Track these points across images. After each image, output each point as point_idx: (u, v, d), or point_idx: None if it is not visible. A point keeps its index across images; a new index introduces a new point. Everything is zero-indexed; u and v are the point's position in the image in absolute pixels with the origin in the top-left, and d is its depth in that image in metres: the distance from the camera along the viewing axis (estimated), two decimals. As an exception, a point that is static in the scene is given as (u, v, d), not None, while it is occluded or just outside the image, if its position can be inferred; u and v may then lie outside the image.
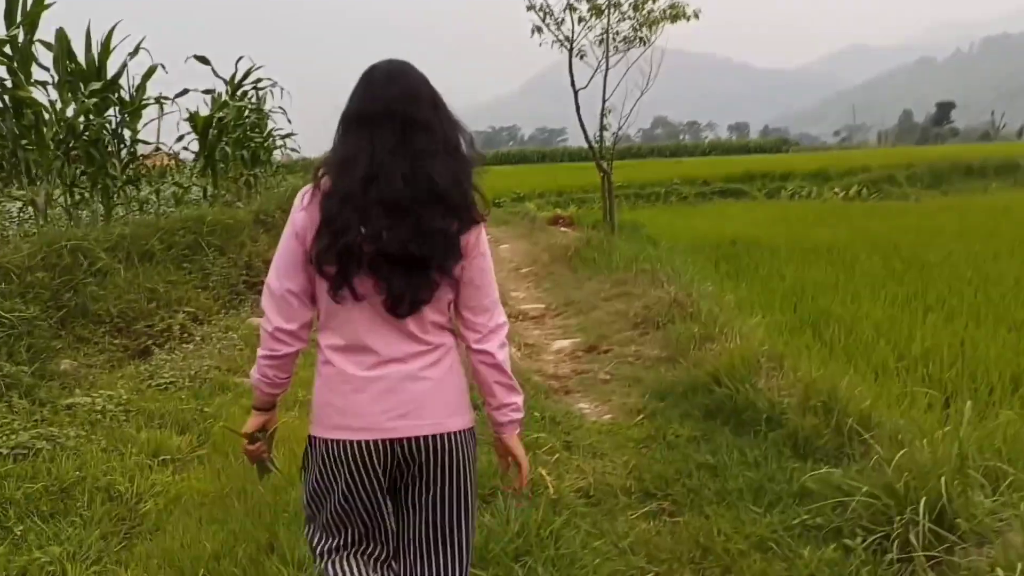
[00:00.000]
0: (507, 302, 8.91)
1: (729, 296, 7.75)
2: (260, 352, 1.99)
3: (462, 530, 2.05)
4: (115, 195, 8.61)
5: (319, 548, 2.08)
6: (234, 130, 11.12)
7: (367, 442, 1.91)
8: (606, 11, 10.90)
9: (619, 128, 11.74)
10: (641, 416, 4.95)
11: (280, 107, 13.44)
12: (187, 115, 10.51)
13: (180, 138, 10.99)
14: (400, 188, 1.80)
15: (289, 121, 13.42)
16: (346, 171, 1.82)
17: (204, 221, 8.35)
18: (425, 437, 1.93)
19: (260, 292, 7.37)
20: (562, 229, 15.43)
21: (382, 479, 1.96)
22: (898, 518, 3.08)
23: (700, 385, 5.03)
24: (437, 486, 1.99)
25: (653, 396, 5.22)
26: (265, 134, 12.85)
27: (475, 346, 2.03)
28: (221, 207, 9.46)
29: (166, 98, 9.19)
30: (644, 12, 10.86)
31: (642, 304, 7.33)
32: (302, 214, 1.88)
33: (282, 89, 12.67)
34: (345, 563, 2.05)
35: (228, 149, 11.04)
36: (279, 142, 13.76)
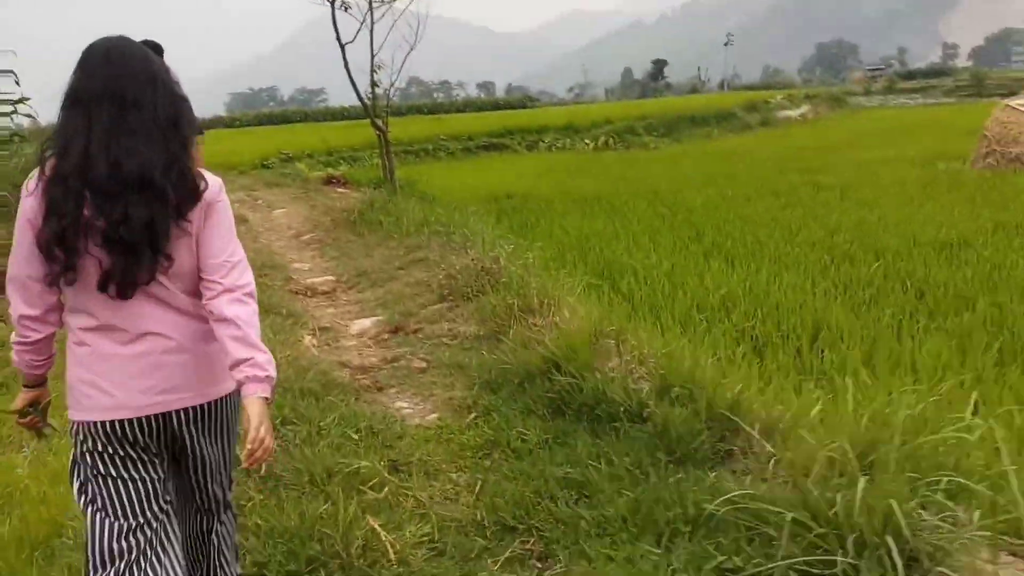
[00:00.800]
0: (291, 276, 7.52)
1: (529, 255, 6.89)
2: (13, 339, 1.87)
3: (225, 481, 2.10)
4: None
5: (103, 549, 1.82)
6: (-65, 91, 8.56)
7: (132, 420, 1.80)
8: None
9: (392, 84, 10.46)
10: (474, 415, 3.91)
11: (10, 70, 10.52)
12: None
13: None
14: (109, 174, 1.70)
15: (18, 84, 10.67)
16: (65, 154, 1.71)
17: None
18: (191, 408, 1.87)
19: None
20: (338, 190, 13.91)
21: (150, 455, 1.85)
22: (840, 553, 2.28)
23: (536, 372, 4.06)
24: (207, 451, 1.95)
25: (483, 387, 4.19)
26: (-18, 96, 10.11)
27: (206, 303, 1.83)
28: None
29: None
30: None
31: (445, 273, 6.25)
32: (31, 200, 1.75)
33: (-1, 49, 9.91)
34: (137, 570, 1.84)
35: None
36: (6, 108, 10.92)
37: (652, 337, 4.21)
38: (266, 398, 1.81)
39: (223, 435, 1.98)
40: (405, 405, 4.20)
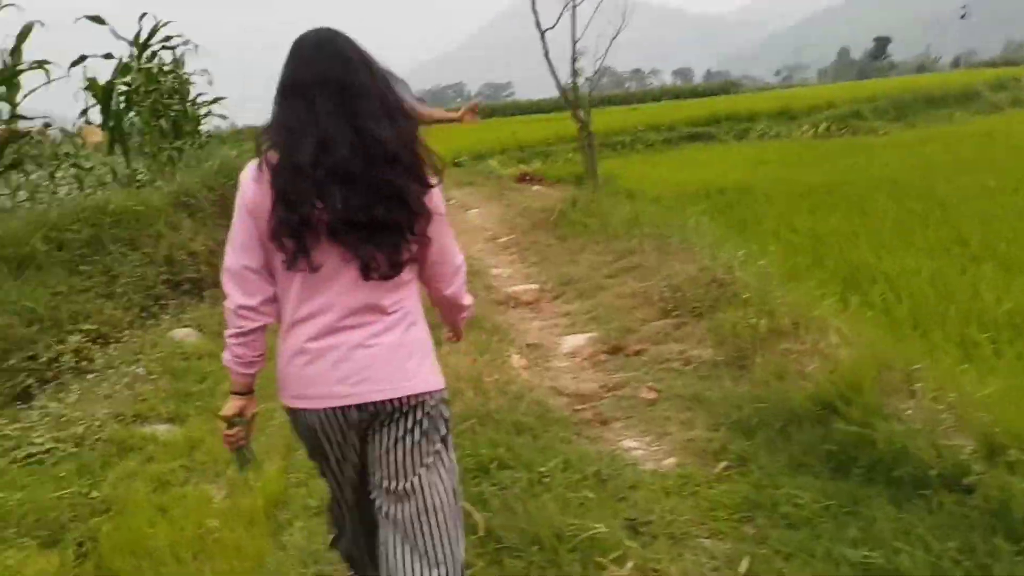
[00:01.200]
0: (490, 283, 7.28)
1: (763, 262, 6.19)
2: (227, 332, 1.94)
3: (445, 492, 1.97)
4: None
5: (328, 513, 2.28)
6: (145, 97, 9.17)
7: (326, 410, 1.88)
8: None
9: (596, 72, 10.04)
10: (724, 464, 3.36)
11: (204, 70, 11.28)
12: (86, 83, 8.53)
13: (84, 112, 9.02)
14: (350, 155, 1.75)
15: (210, 83, 11.39)
16: (292, 143, 1.77)
17: (106, 210, 6.49)
18: (387, 401, 1.88)
19: (186, 292, 4.90)
20: (534, 188, 13.72)
21: (347, 445, 1.95)
22: None
23: (804, 414, 3.43)
24: (405, 443, 1.92)
25: (731, 429, 3.62)
26: (188, 101, 10.78)
27: (443, 293, 2.08)
28: (134, 190, 7.56)
29: (45, 63, 7.21)
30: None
31: (666, 282, 5.72)
32: (252, 189, 1.83)
33: (196, 47, 10.58)
34: (346, 540, 2.22)
35: (139, 120, 9.11)
36: (204, 110, 11.68)
37: (956, 371, 3.45)
38: None
39: (427, 427, 1.93)
40: (635, 445, 3.72)
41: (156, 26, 9.47)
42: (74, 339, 5.20)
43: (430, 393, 1.93)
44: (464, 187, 15.25)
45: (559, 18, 9.52)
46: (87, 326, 5.45)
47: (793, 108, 25.87)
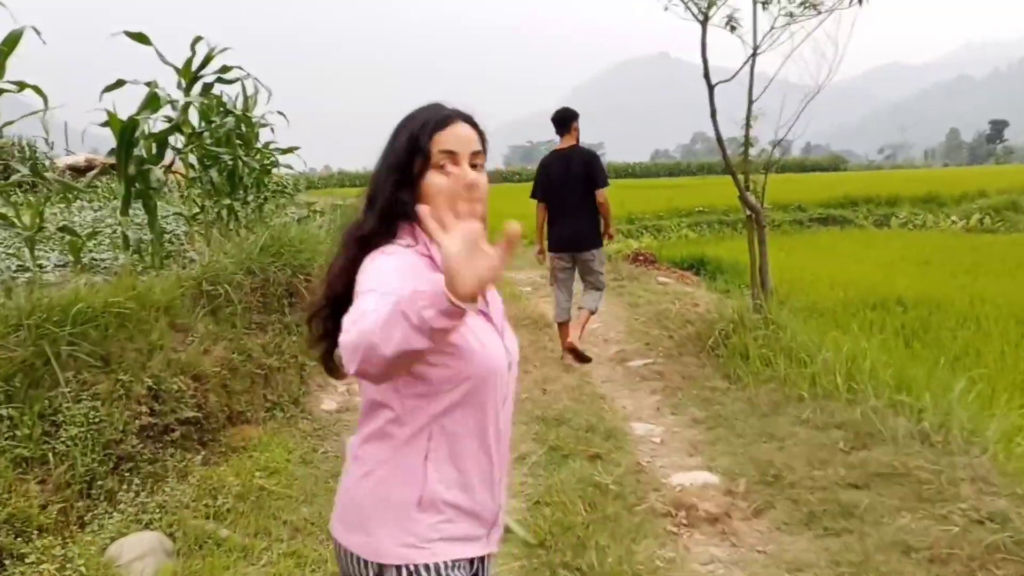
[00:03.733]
0: (636, 454, 4.81)
1: None
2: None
3: None
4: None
5: None
6: (191, 140, 7.10)
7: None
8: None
9: (779, 140, 7.57)
10: None
11: (280, 112, 9.22)
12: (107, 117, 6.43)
13: (112, 152, 6.95)
14: None
15: (272, 130, 9.31)
16: None
17: (68, 311, 4.24)
18: (337, 543, 1.58)
19: (174, 444, 4.66)
20: (660, 279, 11.20)
21: None
22: None
23: None
24: None
25: None
26: (250, 148, 8.61)
27: None
28: (131, 276, 5.30)
29: (27, 84, 5.13)
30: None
31: (993, 535, 3.11)
32: None
33: (256, 82, 8.49)
34: None
35: (181, 168, 7.05)
36: (270, 158, 9.57)
37: None
38: None
39: None
40: None
41: (210, 52, 7.38)
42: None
43: (359, 556, 1.51)
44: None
45: (739, 71, 7.07)
46: (-28, 533, 3.15)
47: (941, 194, 22.77)
